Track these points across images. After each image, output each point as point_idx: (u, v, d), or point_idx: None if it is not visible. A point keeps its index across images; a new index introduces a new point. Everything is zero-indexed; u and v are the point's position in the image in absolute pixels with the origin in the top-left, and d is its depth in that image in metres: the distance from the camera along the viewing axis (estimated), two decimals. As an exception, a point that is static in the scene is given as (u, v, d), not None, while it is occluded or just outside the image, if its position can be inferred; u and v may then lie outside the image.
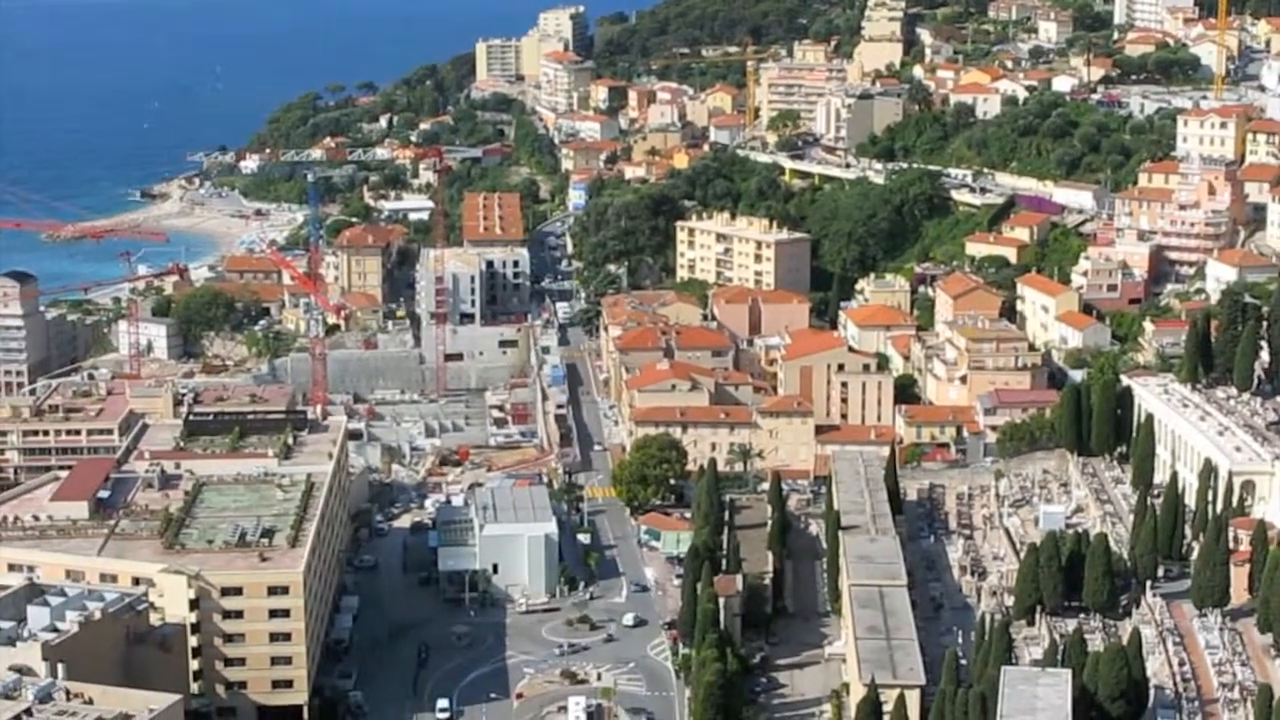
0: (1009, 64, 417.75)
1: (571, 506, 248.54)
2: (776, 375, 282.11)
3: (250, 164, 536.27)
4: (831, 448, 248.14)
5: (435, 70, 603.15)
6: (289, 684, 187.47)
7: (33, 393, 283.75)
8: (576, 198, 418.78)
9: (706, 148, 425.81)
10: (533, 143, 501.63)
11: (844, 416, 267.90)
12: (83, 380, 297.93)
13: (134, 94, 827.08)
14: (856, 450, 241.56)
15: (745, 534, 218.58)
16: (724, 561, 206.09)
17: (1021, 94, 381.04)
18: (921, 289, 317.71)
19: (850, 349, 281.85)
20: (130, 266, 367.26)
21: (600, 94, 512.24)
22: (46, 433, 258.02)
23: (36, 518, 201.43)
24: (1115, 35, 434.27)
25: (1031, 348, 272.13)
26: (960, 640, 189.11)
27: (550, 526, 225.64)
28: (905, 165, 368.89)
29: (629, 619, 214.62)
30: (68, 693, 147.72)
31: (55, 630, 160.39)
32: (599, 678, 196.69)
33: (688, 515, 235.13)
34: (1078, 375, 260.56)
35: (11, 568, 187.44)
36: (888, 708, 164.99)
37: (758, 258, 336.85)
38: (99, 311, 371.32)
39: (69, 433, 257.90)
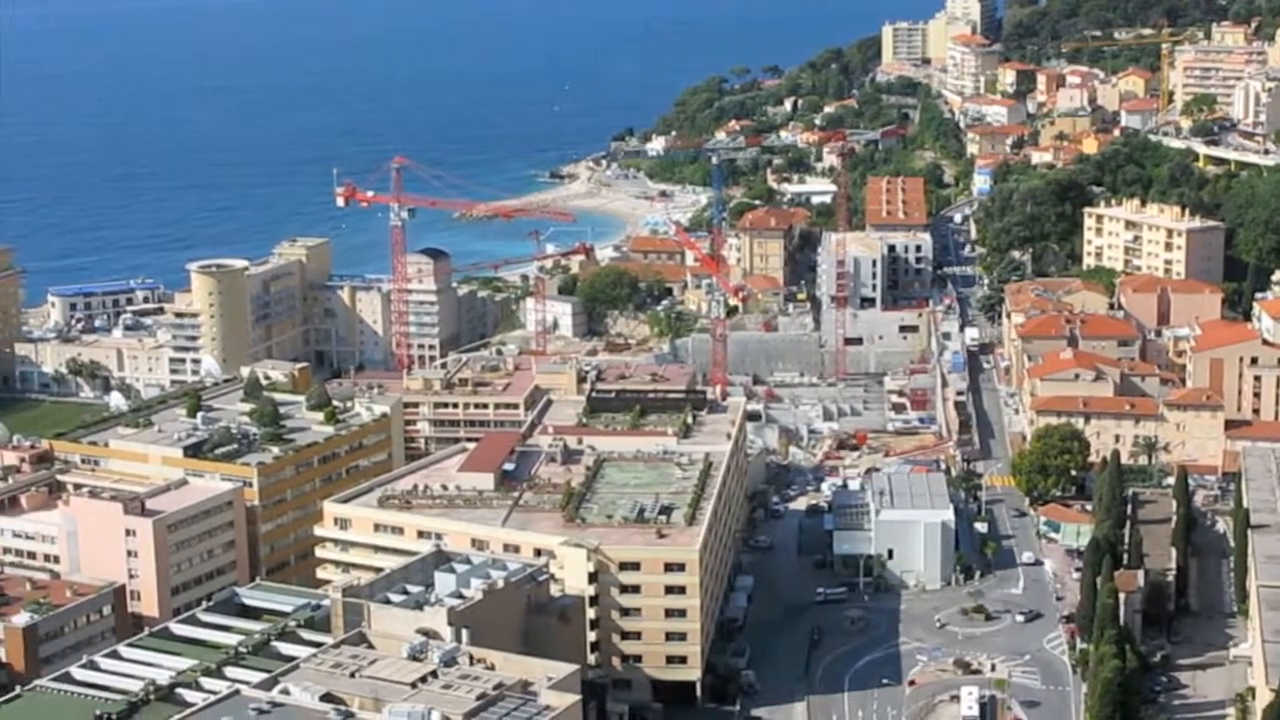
0: None
1: (969, 494, 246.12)
2: (1185, 367, 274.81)
3: (656, 146, 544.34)
4: (1242, 443, 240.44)
5: (840, 53, 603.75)
6: (683, 660, 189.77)
7: (444, 366, 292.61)
8: (981, 183, 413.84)
9: (1117, 132, 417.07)
10: (938, 127, 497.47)
11: (1256, 411, 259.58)
12: (491, 355, 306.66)
13: (544, 77, 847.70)
14: (1269, 446, 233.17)
15: (1148, 529, 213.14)
16: (1125, 556, 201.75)
17: None
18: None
19: (1265, 342, 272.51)
20: (538, 245, 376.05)
21: (1008, 77, 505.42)
22: (456, 405, 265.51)
23: (445, 487, 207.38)
24: None
25: None
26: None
27: (947, 514, 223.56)
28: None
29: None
30: (471, 657, 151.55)
31: (461, 597, 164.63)
32: (993, 669, 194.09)
33: (1089, 507, 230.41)
34: None
35: (421, 535, 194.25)
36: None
37: (1168, 246, 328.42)
38: (508, 289, 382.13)
39: (477, 406, 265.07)
